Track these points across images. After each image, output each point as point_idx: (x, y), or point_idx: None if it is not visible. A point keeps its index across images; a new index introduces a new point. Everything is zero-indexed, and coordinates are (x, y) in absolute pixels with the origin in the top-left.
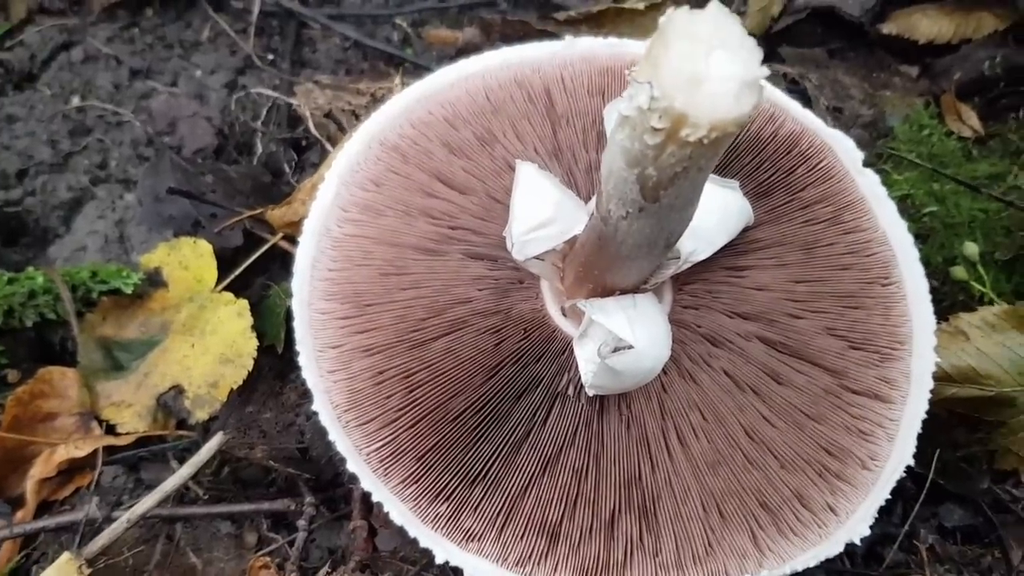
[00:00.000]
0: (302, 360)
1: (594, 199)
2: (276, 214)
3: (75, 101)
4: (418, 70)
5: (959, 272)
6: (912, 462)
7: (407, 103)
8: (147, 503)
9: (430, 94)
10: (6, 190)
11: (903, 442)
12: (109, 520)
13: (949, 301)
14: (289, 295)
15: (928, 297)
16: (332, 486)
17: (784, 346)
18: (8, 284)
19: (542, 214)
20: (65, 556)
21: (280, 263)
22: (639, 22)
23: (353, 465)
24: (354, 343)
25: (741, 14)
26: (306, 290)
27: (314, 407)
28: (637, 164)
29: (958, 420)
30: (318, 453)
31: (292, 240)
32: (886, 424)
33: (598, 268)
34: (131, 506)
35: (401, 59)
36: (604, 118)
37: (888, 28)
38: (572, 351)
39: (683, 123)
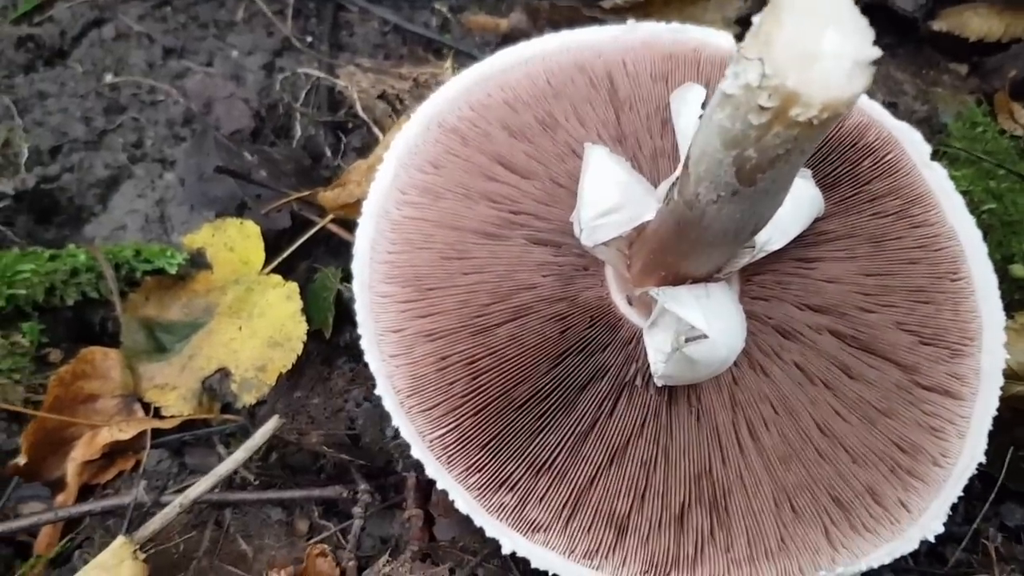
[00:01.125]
0: (364, 343)
1: (663, 185)
2: (329, 196)
3: (108, 78)
4: (459, 56)
5: (1018, 270)
6: (983, 459)
7: (466, 85)
8: (200, 487)
9: (488, 76)
10: (43, 166)
11: (974, 439)
12: (158, 504)
13: (1007, 299)
14: (336, 279)
15: (997, 293)
16: (384, 474)
17: (855, 340)
18: (50, 261)
19: (612, 199)
20: (119, 540)
21: (325, 247)
22: (688, 11)
23: (418, 451)
24: (416, 327)
25: None
26: (366, 272)
27: (377, 391)
28: (736, 145)
29: (1021, 418)
30: (370, 440)
31: (341, 223)
32: (957, 421)
33: (673, 255)
34: (177, 490)
35: (440, 44)
36: (671, 105)
37: (939, 25)
38: (639, 340)
39: (794, 102)
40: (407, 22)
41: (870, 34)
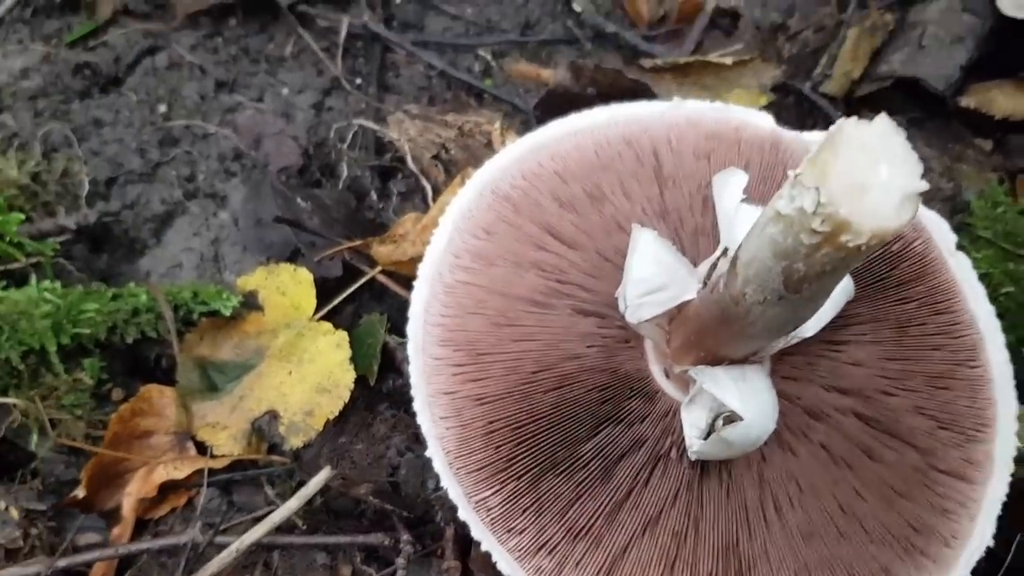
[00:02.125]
0: (417, 405)
1: (703, 265)
2: (383, 251)
3: (162, 109)
4: (497, 102)
5: None
6: (992, 542)
7: (519, 153)
8: (256, 533)
9: (541, 146)
10: (104, 200)
11: (984, 522)
12: (212, 545)
13: (1017, 380)
14: (383, 327)
15: (1012, 382)
16: (422, 523)
17: (877, 422)
18: (112, 300)
19: (657, 279)
20: None
21: (369, 292)
22: (724, 75)
23: (464, 513)
24: (466, 391)
25: (827, 76)
26: (420, 335)
27: (427, 453)
28: (786, 258)
29: None
30: (412, 490)
31: (388, 274)
32: (968, 504)
33: (713, 339)
34: (226, 529)
35: (480, 90)
36: (714, 186)
37: (966, 101)
38: (675, 414)
39: (845, 229)
40: (451, 67)
41: (919, 168)
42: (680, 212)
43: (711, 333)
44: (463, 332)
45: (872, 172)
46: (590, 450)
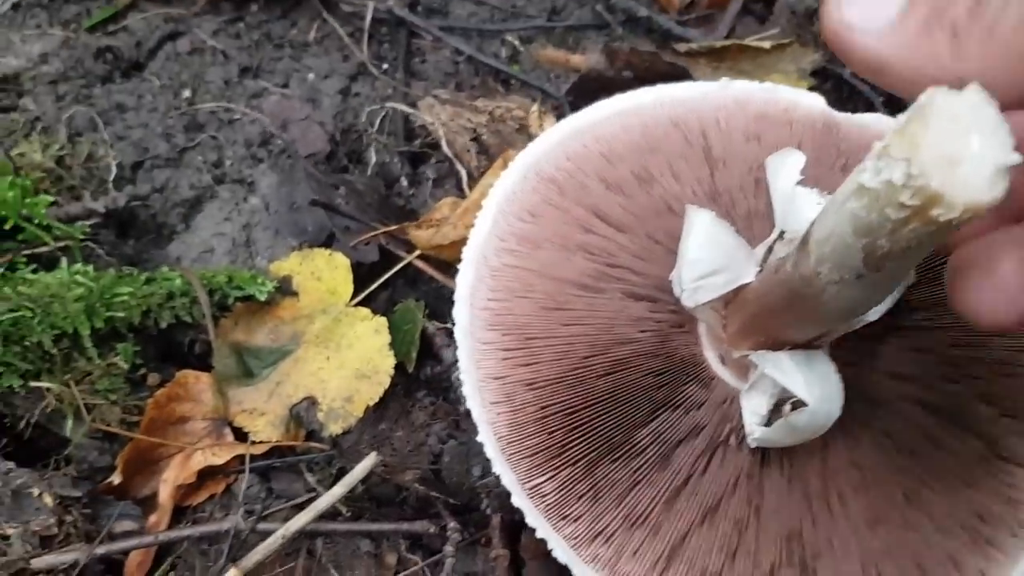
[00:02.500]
0: (466, 390)
1: (760, 247)
2: (422, 235)
3: (185, 94)
4: (526, 87)
5: None
6: None
7: (562, 136)
8: (301, 520)
9: (585, 128)
10: (132, 184)
11: None
12: (255, 532)
13: None
14: (420, 312)
15: None
16: (468, 511)
17: (940, 410)
18: (146, 284)
19: (713, 262)
20: (232, 572)
21: (403, 278)
22: (762, 60)
23: (518, 499)
24: (517, 376)
25: None
26: (467, 319)
27: (478, 438)
28: (869, 234)
29: None
30: (456, 478)
31: (426, 260)
32: None
33: (777, 323)
34: (266, 515)
35: (508, 76)
36: (768, 168)
37: None
38: (733, 401)
39: (936, 203)
40: (478, 52)
41: (1011, 140)
42: (732, 194)
43: (775, 316)
44: (511, 316)
45: (963, 144)
46: (647, 436)
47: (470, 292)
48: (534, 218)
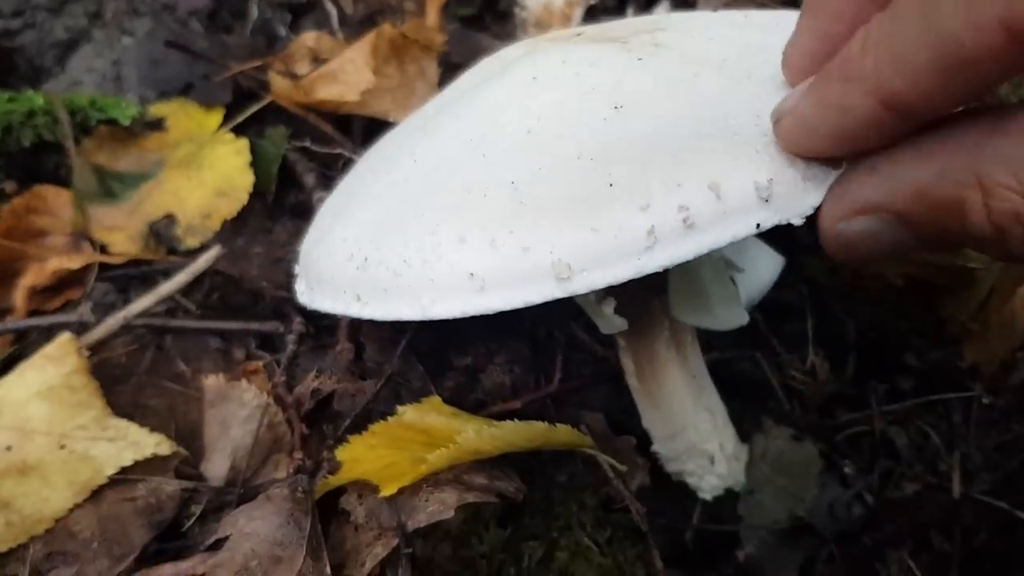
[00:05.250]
0: None
1: None
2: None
3: None
4: None
5: None
6: None
7: None
8: (142, 303)
9: None
10: (3, 19)
11: None
12: (103, 326)
13: None
14: (284, 139)
15: None
16: (319, 315)
17: None
18: (8, 102)
19: None
20: (65, 335)
21: (273, 115)
22: None
23: None
24: None
25: None
26: None
27: None
28: None
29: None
30: None
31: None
32: None
33: None
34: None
35: None
36: None
37: None
38: None
39: None
40: None
41: None
42: None
43: None
44: None
45: None
46: None
47: None
48: None
